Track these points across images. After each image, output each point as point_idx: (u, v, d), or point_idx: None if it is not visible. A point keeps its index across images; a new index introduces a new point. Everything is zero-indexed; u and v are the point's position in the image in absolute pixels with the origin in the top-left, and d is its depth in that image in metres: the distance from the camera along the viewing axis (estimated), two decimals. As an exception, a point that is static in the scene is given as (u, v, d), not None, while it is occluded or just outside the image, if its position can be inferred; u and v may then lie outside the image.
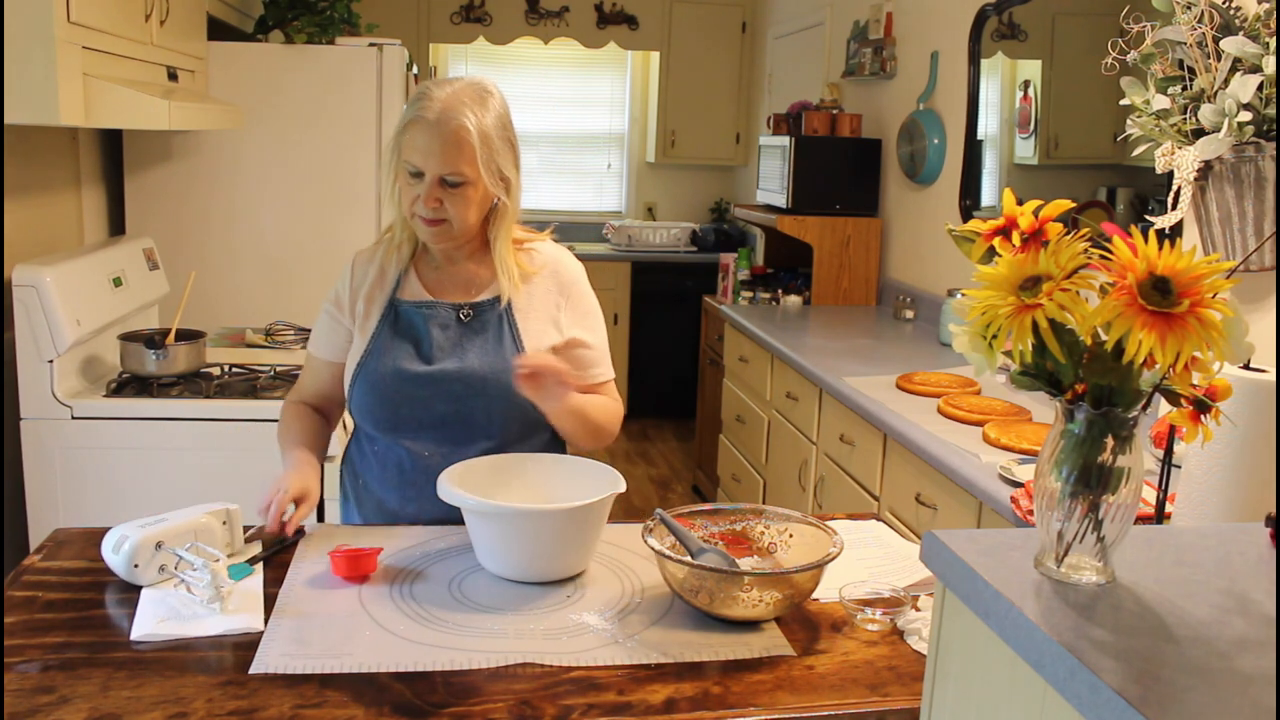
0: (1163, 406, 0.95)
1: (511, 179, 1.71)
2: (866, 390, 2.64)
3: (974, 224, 0.99)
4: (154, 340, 2.42)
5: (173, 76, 2.65)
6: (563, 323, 1.78)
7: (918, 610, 1.43)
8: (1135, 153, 1.95)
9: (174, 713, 1.14)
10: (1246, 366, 1.40)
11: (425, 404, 1.69)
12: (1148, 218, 1.95)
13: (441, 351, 1.72)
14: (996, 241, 0.96)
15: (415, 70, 3.65)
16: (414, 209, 1.67)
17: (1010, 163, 3.33)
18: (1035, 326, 0.89)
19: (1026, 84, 3.21)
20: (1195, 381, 0.90)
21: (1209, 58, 1.79)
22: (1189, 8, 1.81)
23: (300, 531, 1.65)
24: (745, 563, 1.52)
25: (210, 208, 3.21)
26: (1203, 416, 0.92)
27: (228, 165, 3.20)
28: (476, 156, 1.64)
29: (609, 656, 1.30)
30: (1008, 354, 0.93)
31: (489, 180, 1.67)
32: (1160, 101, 1.86)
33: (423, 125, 1.62)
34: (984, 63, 3.40)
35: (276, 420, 1.83)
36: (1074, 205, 0.97)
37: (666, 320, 5.57)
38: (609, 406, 1.79)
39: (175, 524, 1.51)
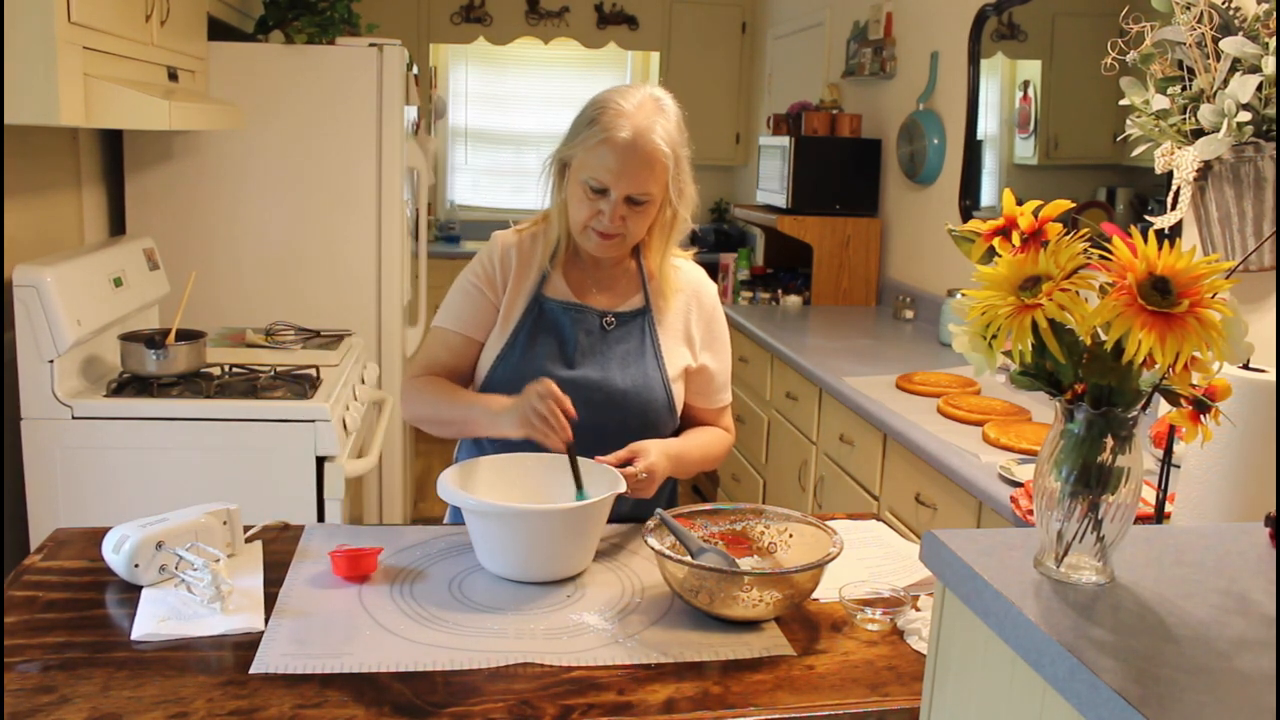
0: (1162, 406, 0.95)
1: (688, 193, 1.70)
2: (866, 390, 2.64)
3: (974, 224, 0.99)
4: (154, 340, 2.42)
5: (173, 76, 2.65)
6: (698, 347, 1.80)
7: (918, 610, 1.43)
8: (1135, 153, 1.95)
9: (174, 713, 1.14)
10: (1246, 366, 1.40)
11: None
12: (1147, 218, 1.95)
13: (584, 357, 1.71)
14: (996, 241, 0.96)
15: (415, 70, 3.65)
16: (591, 223, 1.66)
17: (1010, 163, 3.33)
18: (1035, 326, 0.89)
19: (1026, 84, 3.22)
20: (1195, 381, 0.90)
21: (1208, 58, 1.79)
22: (1188, 8, 1.81)
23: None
24: (745, 563, 1.52)
25: (211, 208, 3.21)
26: (1202, 416, 0.92)
27: (228, 165, 3.20)
28: (667, 176, 1.63)
29: (609, 656, 1.30)
30: (1008, 354, 0.93)
31: (673, 197, 1.66)
32: (1160, 101, 1.86)
33: (615, 145, 1.59)
34: (984, 63, 3.40)
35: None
36: (1074, 205, 0.97)
37: (666, 320, 5.57)
38: (708, 444, 1.80)
39: (176, 524, 1.51)
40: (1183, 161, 1.83)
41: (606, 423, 1.68)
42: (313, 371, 2.59)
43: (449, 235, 5.82)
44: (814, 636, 1.39)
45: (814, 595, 1.45)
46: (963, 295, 0.96)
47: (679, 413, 1.79)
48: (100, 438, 2.30)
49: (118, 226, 3.19)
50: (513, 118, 6.04)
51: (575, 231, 1.70)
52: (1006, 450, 2.12)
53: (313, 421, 2.34)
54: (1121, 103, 1.93)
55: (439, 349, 1.78)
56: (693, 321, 1.81)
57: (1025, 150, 3.24)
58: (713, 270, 4.80)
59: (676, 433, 1.82)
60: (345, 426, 2.47)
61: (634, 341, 1.74)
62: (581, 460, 1.63)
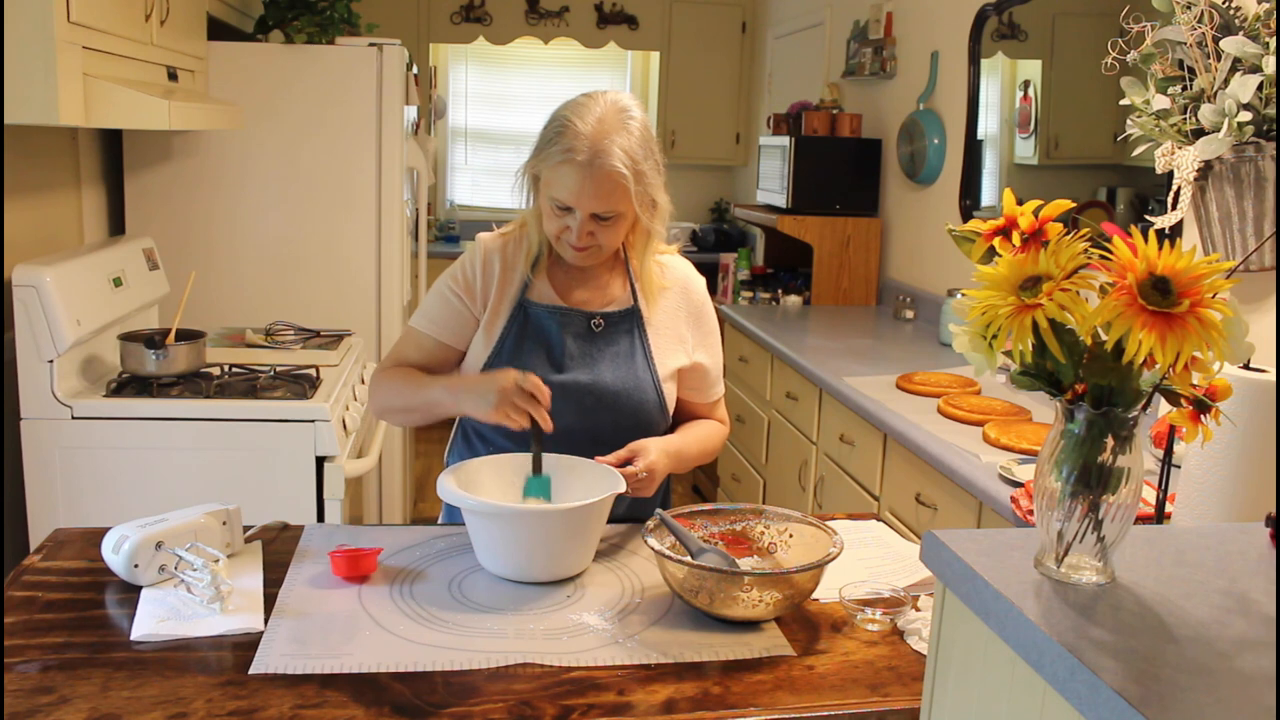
0: (1163, 406, 0.95)
1: (660, 201, 1.70)
2: (866, 390, 2.64)
3: (974, 224, 0.99)
4: (154, 340, 2.42)
5: (173, 76, 2.65)
6: (690, 345, 1.80)
7: (918, 610, 1.43)
8: (1135, 153, 1.95)
9: (174, 713, 1.14)
10: (1246, 366, 1.40)
11: (555, 414, 1.59)
12: (1148, 218, 1.95)
13: (573, 361, 1.71)
14: (996, 241, 0.96)
15: (415, 70, 3.65)
16: (562, 237, 1.66)
17: (1010, 163, 3.33)
18: (1035, 326, 0.89)
19: (1026, 84, 3.21)
20: (1195, 381, 0.90)
21: (1209, 58, 1.79)
22: (1189, 8, 1.81)
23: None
24: (745, 563, 1.52)
25: (210, 208, 3.21)
26: (1203, 416, 0.92)
27: (228, 165, 3.20)
28: (630, 193, 1.62)
29: (609, 656, 1.30)
30: (1008, 354, 0.93)
31: (640, 210, 1.66)
32: (1160, 101, 1.86)
33: (573, 167, 1.58)
34: (984, 63, 3.40)
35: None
36: (1074, 205, 0.97)
37: (666, 320, 5.57)
38: (705, 438, 1.80)
39: (175, 524, 1.51)
40: (1183, 161, 1.83)
41: (598, 425, 1.68)
42: (312, 371, 2.59)
43: (449, 235, 5.82)
44: (814, 637, 1.39)
45: (814, 595, 1.45)
46: (963, 295, 0.96)
47: (670, 412, 1.79)
48: (100, 438, 2.30)
49: (117, 226, 3.19)
50: (513, 118, 6.04)
51: (551, 241, 1.71)
52: (1007, 450, 2.12)
53: (312, 421, 2.34)
54: (1122, 103, 1.92)
55: (409, 348, 1.77)
56: (683, 320, 1.80)
57: (1025, 150, 3.24)
58: (713, 270, 4.83)
59: (673, 427, 1.82)
60: (345, 426, 2.47)
61: (623, 343, 1.74)
62: (581, 460, 1.63)
